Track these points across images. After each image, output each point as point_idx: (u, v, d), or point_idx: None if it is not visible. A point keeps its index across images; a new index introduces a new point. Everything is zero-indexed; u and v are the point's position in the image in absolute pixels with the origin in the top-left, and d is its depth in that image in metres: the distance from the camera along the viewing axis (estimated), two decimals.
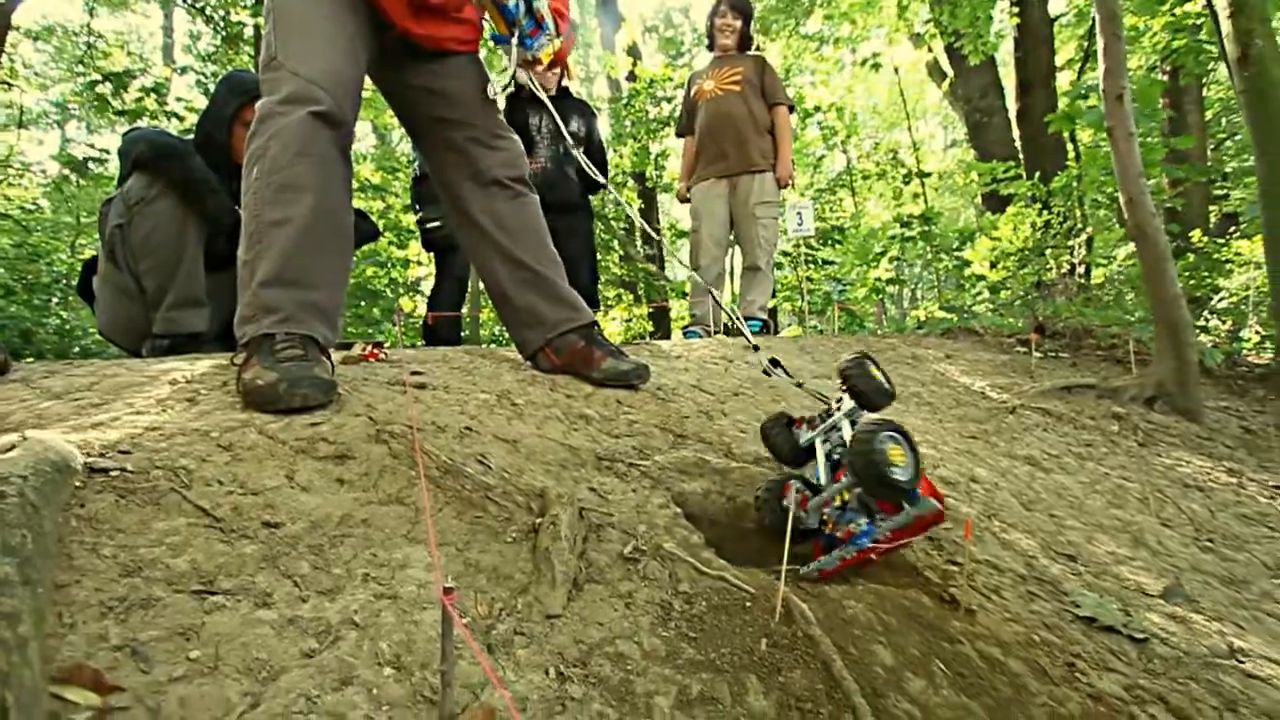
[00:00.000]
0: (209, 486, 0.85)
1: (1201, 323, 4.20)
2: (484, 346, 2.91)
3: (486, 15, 1.45)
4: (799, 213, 2.96)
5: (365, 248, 4.77)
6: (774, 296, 5.42)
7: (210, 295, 1.86)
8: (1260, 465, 2.02)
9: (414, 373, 1.42)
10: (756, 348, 1.39)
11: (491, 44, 1.53)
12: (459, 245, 2.55)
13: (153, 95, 4.20)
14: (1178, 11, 6.21)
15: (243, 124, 1.87)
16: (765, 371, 1.38)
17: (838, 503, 1.04)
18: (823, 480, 1.08)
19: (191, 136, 1.90)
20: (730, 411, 1.65)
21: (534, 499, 0.98)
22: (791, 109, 3.18)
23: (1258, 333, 3.96)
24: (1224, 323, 4.35)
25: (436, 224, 2.49)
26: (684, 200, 3.28)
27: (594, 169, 1.65)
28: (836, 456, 1.11)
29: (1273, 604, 1.24)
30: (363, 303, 4.46)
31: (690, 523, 1.08)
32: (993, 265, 5.73)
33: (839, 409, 1.14)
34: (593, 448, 1.24)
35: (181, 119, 4.17)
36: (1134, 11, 5.98)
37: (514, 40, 1.43)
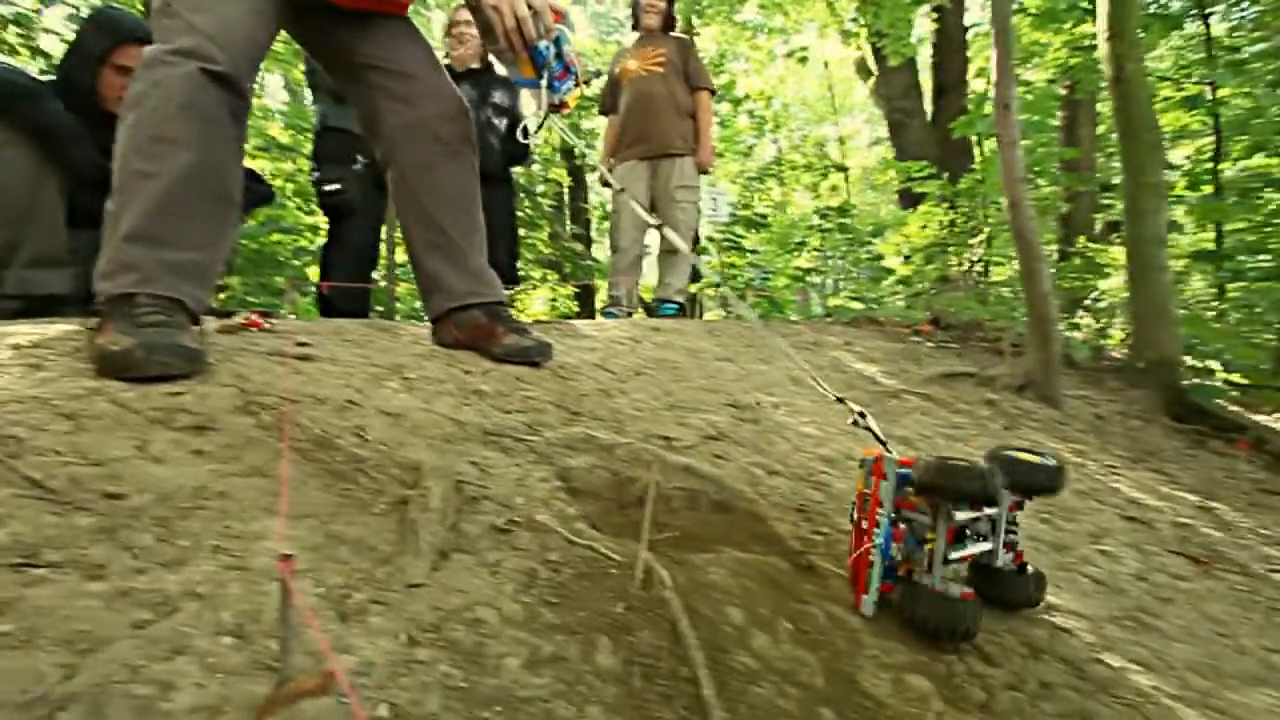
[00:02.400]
0: (43, 456, 0.80)
1: (1076, 320, 4.64)
2: (394, 321, 2.82)
3: (515, 59, 1.40)
4: (714, 198, 3.02)
5: (268, 212, 4.49)
6: (697, 282, 5.53)
7: (76, 254, 1.71)
8: (1103, 447, 2.26)
9: (300, 344, 1.38)
10: (841, 399, 1.19)
11: (519, 88, 1.49)
12: (359, 210, 2.45)
13: (15, 28, 3.74)
14: (1076, 31, 6.71)
15: (113, 68, 1.72)
16: (854, 423, 1.36)
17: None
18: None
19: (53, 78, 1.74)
20: (630, 390, 1.69)
21: (409, 472, 0.98)
22: (713, 93, 3.23)
23: (1122, 330, 4.41)
24: (1096, 321, 4.81)
25: (335, 187, 2.37)
26: (603, 182, 3.28)
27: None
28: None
29: (1089, 566, 1.40)
30: (267, 272, 4.21)
31: (571, 496, 1.11)
32: (906, 259, 6.06)
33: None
34: (481, 423, 1.24)
35: (49, 57, 3.75)
36: (1036, 28, 6.40)
37: (543, 83, 1.39)
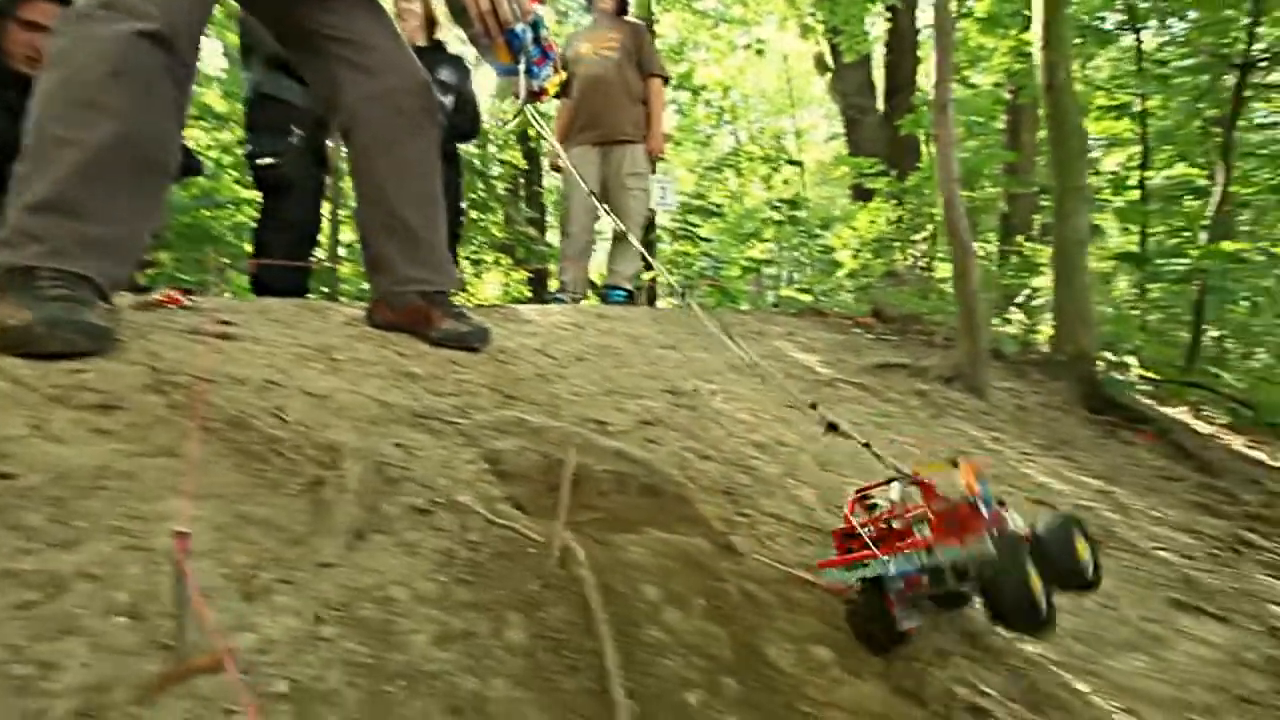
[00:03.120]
0: None
1: (1009, 316, 4.87)
2: (337, 302, 2.75)
3: (491, 45, 1.34)
4: (662, 187, 3.05)
5: (204, 183, 4.28)
6: (650, 270, 5.57)
7: None
8: (1021, 435, 2.40)
9: (221, 322, 1.33)
10: (814, 405, 1.22)
11: (496, 74, 1.43)
12: (296, 185, 2.36)
13: None
14: (1019, 37, 6.96)
15: (20, 23, 1.61)
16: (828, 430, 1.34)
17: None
18: None
19: None
20: (569, 376, 1.71)
21: (327, 453, 0.97)
22: (666, 80, 3.24)
23: (1050, 326, 4.66)
24: (1028, 317, 5.07)
25: (270, 160, 2.27)
26: (555, 169, 3.26)
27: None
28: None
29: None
30: (201, 248, 4.02)
31: (498, 478, 1.12)
32: (856, 254, 6.24)
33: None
34: (411, 405, 1.24)
35: None
36: (982, 33, 6.62)
37: (521, 69, 1.35)
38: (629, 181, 3.08)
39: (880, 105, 8.07)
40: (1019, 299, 4.94)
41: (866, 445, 1.10)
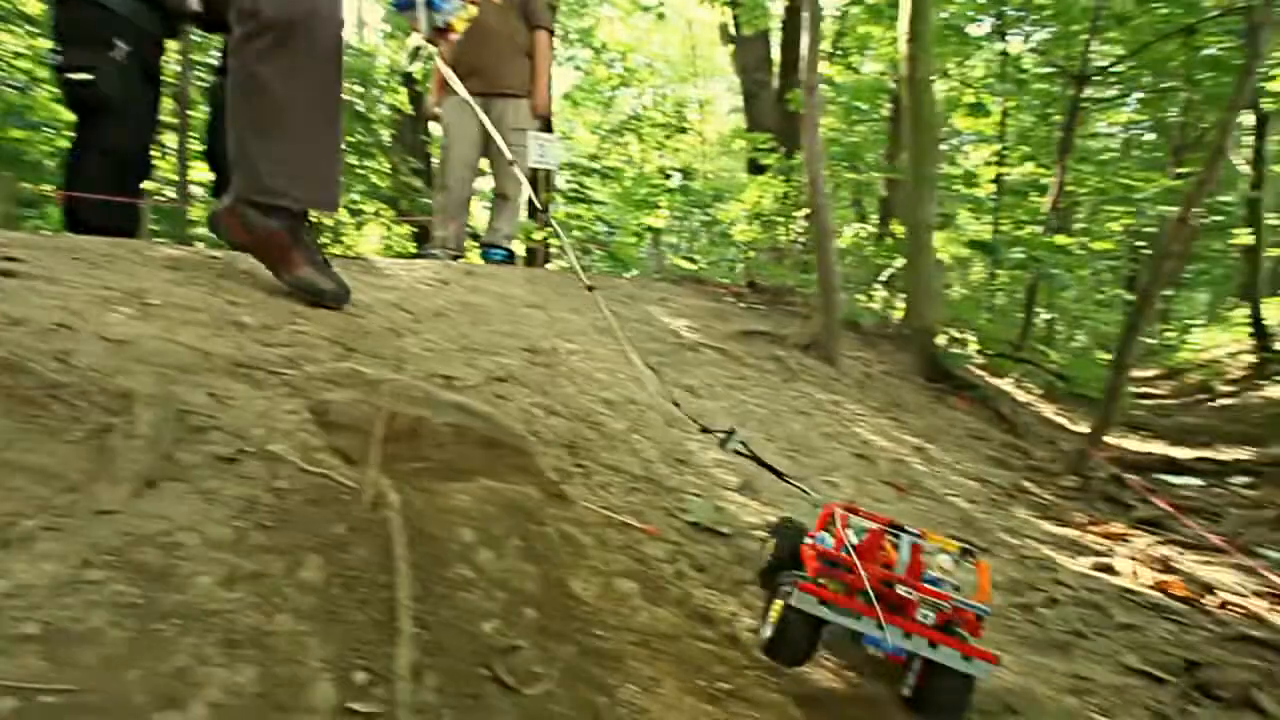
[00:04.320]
0: None
1: (873, 291, 5.31)
2: (185, 247, 2.49)
3: None
4: (541, 144, 3.00)
5: (16, 99, 3.68)
6: (548, 230, 5.49)
7: None
8: (860, 399, 2.66)
9: (4, 258, 1.19)
10: (706, 430, 1.27)
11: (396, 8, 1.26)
12: (117, 107, 2.08)
13: None
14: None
15: None
16: (722, 444, 1.30)
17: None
18: None
19: None
20: (423, 331, 1.68)
21: (117, 400, 0.92)
22: (552, 33, 3.16)
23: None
24: (889, 293, 5.54)
25: (86, 76, 1.97)
26: (432, 116, 3.12)
27: None
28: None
29: (813, 493, 1.67)
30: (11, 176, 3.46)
31: (323, 429, 1.11)
32: (745, 226, 6.47)
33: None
34: (233, 355, 1.18)
35: None
36: (868, 21, 6.96)
37: (421, 1, 1.19)
38: (511, 137, 3.01)
39: (776, 81, 8.30)
40: (883, 277, 5.36)
41: (778, 474, 1.15)
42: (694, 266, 4.66)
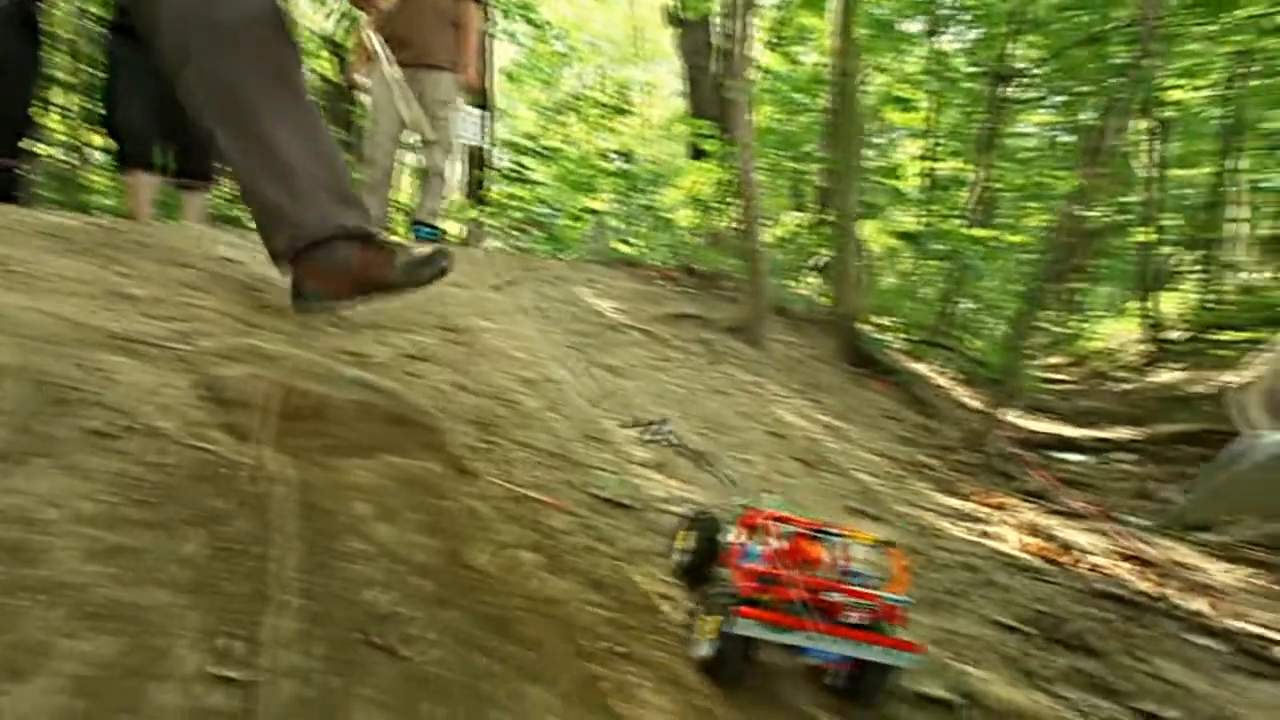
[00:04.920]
0: None
1: (806, 278, 5.49)
2: (81, 216, 2.31)
3: None
4: (465, 118, 2.95)
5: None
6: (484, 209, 5.38)
7: None
8: (782, 381, 2.76)
9: None
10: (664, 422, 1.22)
11: None
12: (6, 69, 1.93)
13: None
14: None
15: None
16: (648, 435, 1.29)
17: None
18: None
19: None
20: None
21: None
22: (481, 4, 3.09)
23: None
24: (822, 279, 5.74)
25: None
26: (353, 84, 3.00)
27: None
28: None
29: (724, 469, 1.74)
30: None
31: (215, 405, 1.08)
32: (685, 211, 6.54)
33: None
34: (116, 328, 1.13)
35: None
36: (804, 11, 7.09)
37: None
38: (437, 110, 2.93)
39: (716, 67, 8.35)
40: (815, 264, 5.54)
41: (706, 461, 1.16)
42: (631, 250, 4.68)
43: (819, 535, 0.97)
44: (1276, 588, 1.66)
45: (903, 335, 5.25)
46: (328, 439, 1.15)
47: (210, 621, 0.69)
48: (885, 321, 5.21)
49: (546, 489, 1.28)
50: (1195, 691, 1.17)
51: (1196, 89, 8.37)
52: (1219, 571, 1.75)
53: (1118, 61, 6.75)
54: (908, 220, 8.64)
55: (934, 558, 1.57)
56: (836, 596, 0.88)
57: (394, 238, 1.45)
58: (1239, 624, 1.45)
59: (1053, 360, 11.21)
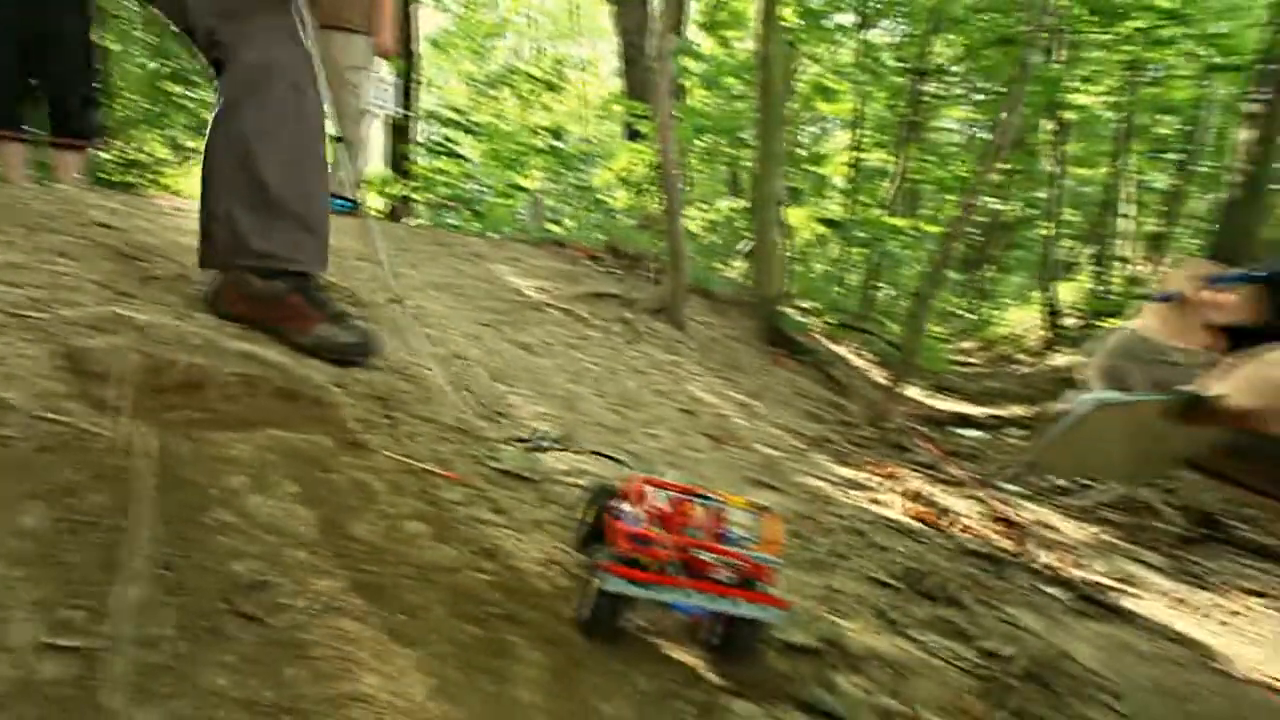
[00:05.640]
0: None
1: (734, 261, 5.62)
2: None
3: None
4: (380, 85, 2.84)
5: None
6: (409, 184, 5.19)
7: None
8: (699, 360, 2.83)
9: None
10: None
11: None
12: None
13: None
14: None
15: None
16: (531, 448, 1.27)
17: None
18: None
19: None
20: None
21: None
22: None
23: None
24: (748, 263, 5.89)
25: None
26: None
27: None
28: None
29: (632, 444, 1.79)
30: None
31: (76, 377, 1.02)
32: (616, 193, 6.53)
33: None
34: None
35: None
36: None
37: None
38: (350, 75, 2.80)
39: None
40: (743, 248, 5.68)
41: (597, 453, 1.16)
42: (560, 229, 4.65)
43: (696, 500, 1.02)
44: (1117, 542, 1.86)
45: (825, 319, 5.46)
46: (203, 412, 1.12)
47: (51, 593, 0.67)
48: (808, 305, 5.41)
49: (446, 463, 1.29)
50: (1034, 631, 1.31)
51: (1094, 94, 9.02)
52: (1073, 530, 1.95)
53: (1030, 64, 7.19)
54: (835, 208, 8.96)
55: (824, 523, 1.67)
56: (707, 556, 0.93)
57: (336, 296, 1.45)
58: (1080, 574, 1.62)
59: (964, 345, 11.96)
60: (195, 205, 2.15)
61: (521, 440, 1.50)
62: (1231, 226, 5.21)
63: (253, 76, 1.32)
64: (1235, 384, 0.80)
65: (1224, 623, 1.42)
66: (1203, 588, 1.66)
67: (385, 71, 3.07)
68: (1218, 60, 6.25)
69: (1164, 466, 1.96)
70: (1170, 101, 8.93)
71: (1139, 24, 5.35)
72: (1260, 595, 1.64)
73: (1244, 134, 5.44)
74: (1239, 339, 0.97)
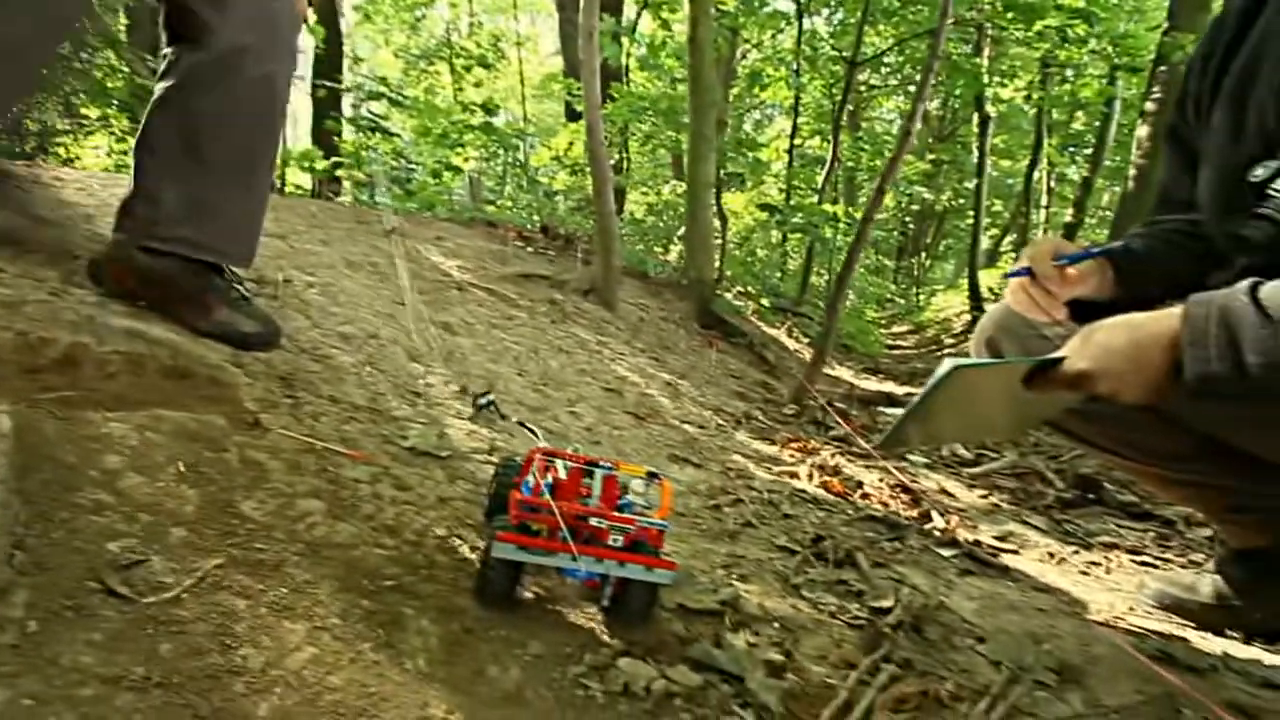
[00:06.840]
0: None
1: (671, 244, 5.68)
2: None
3: None
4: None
5: None
6: (336, 160, 4.97)
7: None
8: (628, 340, 2.87)
9: None
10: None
11: None
12: None
13: None
14: None
15: None
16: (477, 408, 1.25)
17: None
18: None
19: None
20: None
21: None
22: None
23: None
24: (684, 246, 5.96)
25: None
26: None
27: None
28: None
29: (554, 422, 1.81)
30: None
31: None
32: (554, 174, 6.45)
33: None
34: None
35: None
36: None
37: None
38: None
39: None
40: (680, 232, 5.73)
41: (521, 423, 1.16)
42: (494, 210, 4.57)
43: (590, 469, 1.06)
44: (1005, 506, 2.01)
45: (760, 302, 5.60)
46: (85, 392, 1.07)
47: None
48: (743, 289, 5.53)
49: (351, 442, 1.27)
50: (920, 588, 1.41)
51: (1015, 89, 9.49)
52: (969, 496, 2.10)
53: (953, 59, 7.48)
54: (775, 195, 9.14)
55: (739, 495, 1.74)
56: (597, 522, 0.97)
57: (238, 288, 1.39)
58: (970, 535, 1.75)
59: (897, 329, 12.49)
60: (83, 176, 2.02)
61: (474, 398, 1.52)
62: (1127, 217, 5.63)
63: (225, 59, 1.25)
64: (1071, 348, 0.88)
65: (1084, 573, 1.57)
66: (1078, 545, 1.82)
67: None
68: (1123, 60, 6.68)
69: (1023, 428, 2.12)
70: (1083, 98, 9.49)
71: (1051, 22, 5.66)
72: (1128, 551, 1.81)
73: (1141, 130, 5.86)
74: (1089, 313, 1.06)
